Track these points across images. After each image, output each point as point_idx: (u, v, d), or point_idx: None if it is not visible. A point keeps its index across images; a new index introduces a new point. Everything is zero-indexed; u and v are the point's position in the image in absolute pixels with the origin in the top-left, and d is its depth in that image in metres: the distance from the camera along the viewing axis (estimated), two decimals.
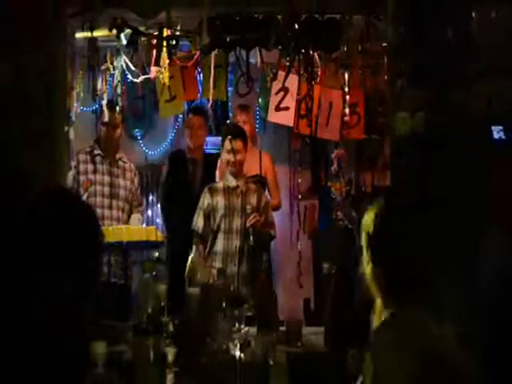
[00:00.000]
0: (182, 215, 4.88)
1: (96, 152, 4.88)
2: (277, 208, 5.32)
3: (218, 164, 5.13)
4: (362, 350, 2.00)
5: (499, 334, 3.07)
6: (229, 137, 4.61)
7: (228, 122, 5.97)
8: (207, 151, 5.81)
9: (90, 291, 1.30)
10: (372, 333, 1.94)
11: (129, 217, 4.92)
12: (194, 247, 4.64)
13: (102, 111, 4.91)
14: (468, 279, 3.25)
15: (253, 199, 4.60)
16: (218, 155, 5.15)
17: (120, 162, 4.96)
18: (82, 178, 4.79)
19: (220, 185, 4.64)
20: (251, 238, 4.48)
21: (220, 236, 4.54)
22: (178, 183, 5.30)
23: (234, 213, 4.55)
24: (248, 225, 4.49)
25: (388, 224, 1.98)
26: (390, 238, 1.97)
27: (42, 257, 1.23)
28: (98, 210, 4.62)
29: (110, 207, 4.82)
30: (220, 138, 5.03)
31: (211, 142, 6.14)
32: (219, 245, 4.53)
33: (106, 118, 4.85)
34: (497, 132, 3.40)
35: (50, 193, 1.31)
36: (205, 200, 4.58)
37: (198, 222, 4.57)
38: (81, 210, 1.33)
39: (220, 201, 4.56)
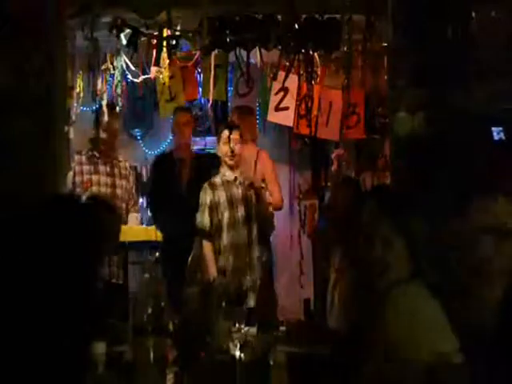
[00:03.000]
0: (172, 216, 4.79)
1: (93, 153, 4.88)
2: (278, 207, 5.26)
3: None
4: None
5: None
6: (225, 129, 4.59)
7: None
8: (206, 151, 5.79)
9: (90, 292, 1.31)
10: None
11: (126, 216, 4.91)
12: (194, 246, 4.63)
13: (101, 112, 4.90)
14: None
15: (252, 188, 4.60)
16: (209, 155, 5.10)
17: (115, 161, 4.96)
18: (81, 178, 4.80)
19: (218, 179, 4.60)
20: (253, 207, 4.54)
21: (226, 230, 4.50)
22: (164, 186, 5.06)
23: (237, 204, 4.54)
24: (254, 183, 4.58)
25: None
26: None
27: (43, 258, 1.23)
28: None
29: None
30: None
31: (211, 141, 6.14)
32: (229, 238, 4.50)
33: (106, 119, 4.85)
34: (497, 133, 3.39)
35: (55, 198, 1.32)
36: (207, 196, 4.54)
37: (204, 219, 4.51)
38: (84, 214, 1.33)
39: (222, 195, 4.54)
